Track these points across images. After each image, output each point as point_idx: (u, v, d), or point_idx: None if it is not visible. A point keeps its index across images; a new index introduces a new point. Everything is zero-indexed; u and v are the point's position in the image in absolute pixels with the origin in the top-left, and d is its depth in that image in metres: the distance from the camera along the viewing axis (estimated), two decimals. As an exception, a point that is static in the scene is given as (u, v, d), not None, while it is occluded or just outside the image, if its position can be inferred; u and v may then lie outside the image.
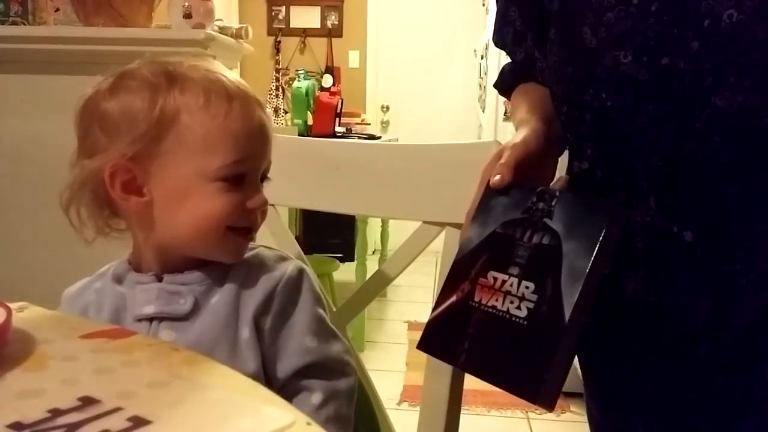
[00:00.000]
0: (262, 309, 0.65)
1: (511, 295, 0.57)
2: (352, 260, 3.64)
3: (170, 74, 0.64)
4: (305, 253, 0.92)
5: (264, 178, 0.69)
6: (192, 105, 0.63)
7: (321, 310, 0.69)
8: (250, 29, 1.55)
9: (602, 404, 0.71)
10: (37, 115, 1.41)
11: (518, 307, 0.56)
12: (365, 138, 3.26)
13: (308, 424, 0.38)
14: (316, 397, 0.65)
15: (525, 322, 0.55)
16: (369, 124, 3.97)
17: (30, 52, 1.38)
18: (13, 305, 0.52)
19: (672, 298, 0.59)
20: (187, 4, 1.35)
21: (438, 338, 0.62)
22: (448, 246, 0.78)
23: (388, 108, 4.82)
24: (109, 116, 0.63)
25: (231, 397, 0.41)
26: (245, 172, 0.65)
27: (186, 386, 0.43)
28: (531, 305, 0.55)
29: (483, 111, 4.22)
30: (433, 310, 0.62)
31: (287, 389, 0.66)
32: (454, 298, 0.61)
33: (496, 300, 0.58)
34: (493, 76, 0.86)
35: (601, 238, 0.54)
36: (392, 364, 2.63)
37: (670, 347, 0.61)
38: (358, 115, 4.00)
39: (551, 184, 0.68)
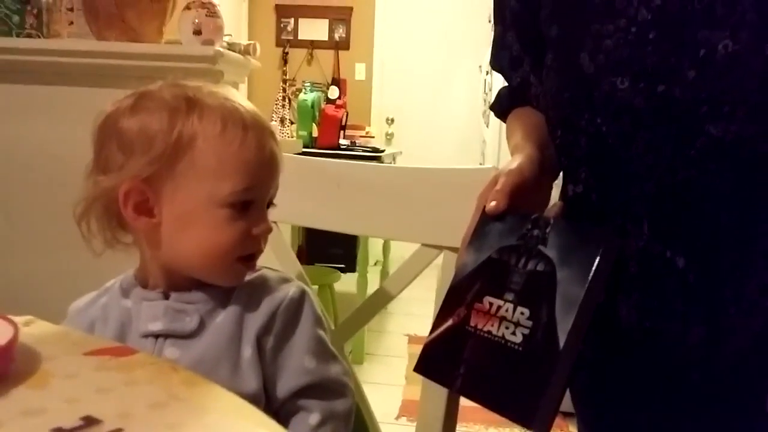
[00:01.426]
0: (264, 329, 0.66)
1: (506, 320, 0.57)
2: (354, 271, 3.64)
3: (190, 99, 0.65)
4: (307, 263, 0.93)
5: (270, 204, 0.70)
6: (209, 131, 0.64)
7: (321, 332, 0.70)
8: (258, 46, 1.57)
9: (594, 430, 0.72)
10: (49, 125, 1.42)
11: (513, 333, 0.56)
12: (369, 151, 3.27)
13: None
14: (314, 418, 0.66)
15: (520, 348, 0.56)
16: (373, 137, 3.99)
17: (43, 64, 1.40)
18: (19, 319, 0.53)
19: (665, 324, 0.59)
20: (197, 20, 1.37)
21: (434, 362, 0.62)
22: (446, 270, 0.79)
23: (392, 121, 4.85)
24: (127, 134, 0.65)
25: (227, 420, 0.42)
26: (253, 199, 0.67)
27: (183, 408, 0.44)
28: (526, 331, 0.56)
29: (487, 126, 4.23)
30: (430, 333, 0.63)
31: (286, 409, 0.67)
32: (450, 322, 0.62)
33: (492, 325, 0.58)
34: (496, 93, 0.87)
35: (594, 267, 0.54)
36: (391, 378, 2.62)
37: (663, 373, 0.61)
38: (363, 128, 4.02)
39: (546, 210, 0.68)
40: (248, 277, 0.70)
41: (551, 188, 0.71)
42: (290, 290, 0.69)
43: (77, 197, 0.67)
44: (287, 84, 4.72)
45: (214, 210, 0.65)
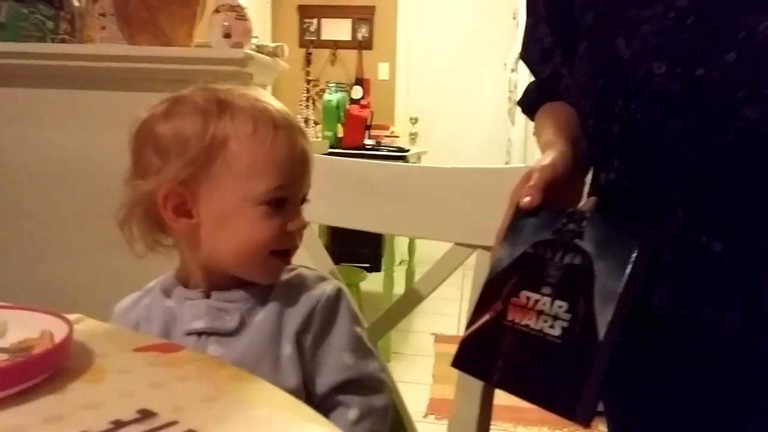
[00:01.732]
0: (303, 326, 0.68)
1: (544, 314, 0.58)
2: (379, 270, 3.64)
3: (221, 102, 0.67)
4: (333, 263, 0.94)
5: (303, 200, 0.72)
6: (240, 132, 0.66)
7: (358, 329, 0.71)
8: (286, 48, 1.59)
9: (624, 421, 0.71)
10: (83, 129, 1.46)
11: (552, 326, 0.57)
12: (394, 151, 3.28)
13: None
14: (353, 413, 0.68)
15: (559, 341, 0.56)
16: (398, 136, 3.99)
17: (77, 69, 1.43)
18: (70, 317, 0.55)
19: (700, 311, 0.59)
20: (226, 23, 1.39)
21: (472, 356, 0.63)
22: (480, 268, 0.79)
23: (416, 120, 4.85)
24: (162, 139, 0.67)
25: (275, 414, 0.44)
26: (287, 196, 0.68)
27: (233, 402, 0.45)
28: (565, 324, 0.56)
29: (513, 124, 4.22)
30: (467, 328, 0.63)
31: (325, 404, 0.68)
32: (487, 317, 0.62)
33: (530, 319, 0.58)
34: (524, 90, 0.87)
35: (632, 259, 0.54)
36: (418, 377, 2.63)
37: (698, 362, 0.61)
38: (387, 128, 4.03)
39: (579, 205, 0.68)
40: (285, 276, 0.71)
41: (584, 183, 0.71)
42: (327, 288, 0.70)
43: (118, 203, 0.69)
44: (311, 84, 4.75)
45: (250, 208, 0.66)
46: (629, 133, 0.62)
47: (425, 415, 2.29)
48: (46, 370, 0.47)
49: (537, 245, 0.61)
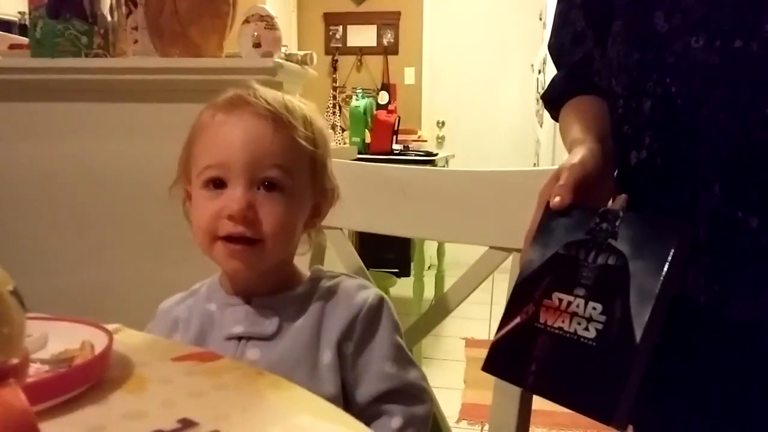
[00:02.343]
0: (345, 334, 0.68)
1: (578, 316, 0.57)
2: (407, 275, 3.64)
3: (212, 102, 0.71)
4: (364, 266, 0.94)
5: (264, 186, 0.67)
6: (203, 122, 0.70)
7: (399, 338, 0.72)
8: (314, 55, 1.60)
9: (655, 405, 0.69)
10: (117, 140, 1.49)
11: (586, 329, 0.56)
12: (423, 155, 3.27)
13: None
14: (396, 422, 0.68)
15: (594, 344, 0.55)
16: (425, 141, 3.99)
17: (111, 83, 1.46)
18: (109, 327, 0.56)
19: (735, 289, 0.58)
20: (256, 33, 1.40)
21: (504, 360, 0.62)
22: (516, 271, 0.78)
23: (443, 123, 4.84)
24: None
25: (318, 423, 0.44)
26: (223, 176, 0.66)
27: (274, 411, 0.45)
28: (600, 326, 0.55)
29: (540, 125, 4.18)
30: (497, 331, 0.62)
31: (367, 413, 0.68)
32: (518, 320, 0.61)
33: (563, 321, 0.57)
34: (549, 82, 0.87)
35: (670, 258, 0.53)
36: (450, 382, 2.61)
37: (733, 341, 0.59)
38: (415, 132, 4.03)
39: (610, 203, 0.67)
40: (327, 283, 0.72)
41: (614, 180, 0.70)
42: (369, 297, 0.71)
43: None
44: (337, 91, 4.78)
45: (198, 191, 0.68)
46: (663, 108, 0.61)
47: (458, 421, 2.28)
48: (88, 381, 0.48)
49: (569, 246, 0.60)
